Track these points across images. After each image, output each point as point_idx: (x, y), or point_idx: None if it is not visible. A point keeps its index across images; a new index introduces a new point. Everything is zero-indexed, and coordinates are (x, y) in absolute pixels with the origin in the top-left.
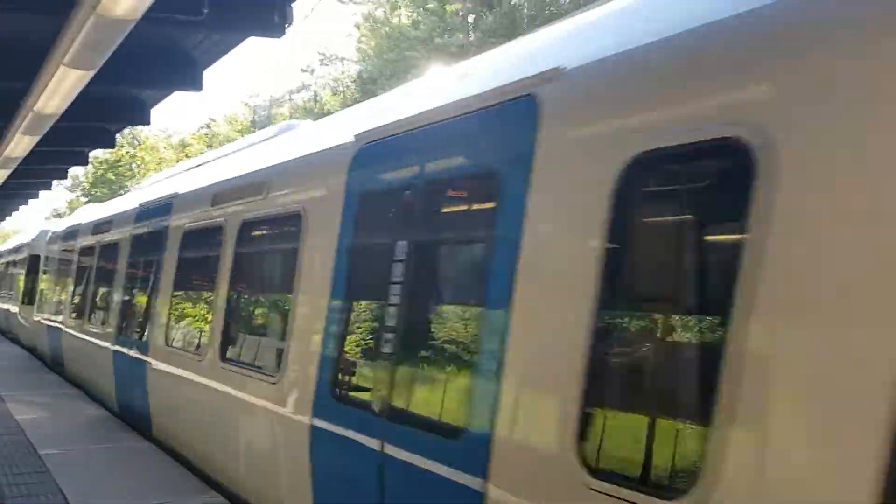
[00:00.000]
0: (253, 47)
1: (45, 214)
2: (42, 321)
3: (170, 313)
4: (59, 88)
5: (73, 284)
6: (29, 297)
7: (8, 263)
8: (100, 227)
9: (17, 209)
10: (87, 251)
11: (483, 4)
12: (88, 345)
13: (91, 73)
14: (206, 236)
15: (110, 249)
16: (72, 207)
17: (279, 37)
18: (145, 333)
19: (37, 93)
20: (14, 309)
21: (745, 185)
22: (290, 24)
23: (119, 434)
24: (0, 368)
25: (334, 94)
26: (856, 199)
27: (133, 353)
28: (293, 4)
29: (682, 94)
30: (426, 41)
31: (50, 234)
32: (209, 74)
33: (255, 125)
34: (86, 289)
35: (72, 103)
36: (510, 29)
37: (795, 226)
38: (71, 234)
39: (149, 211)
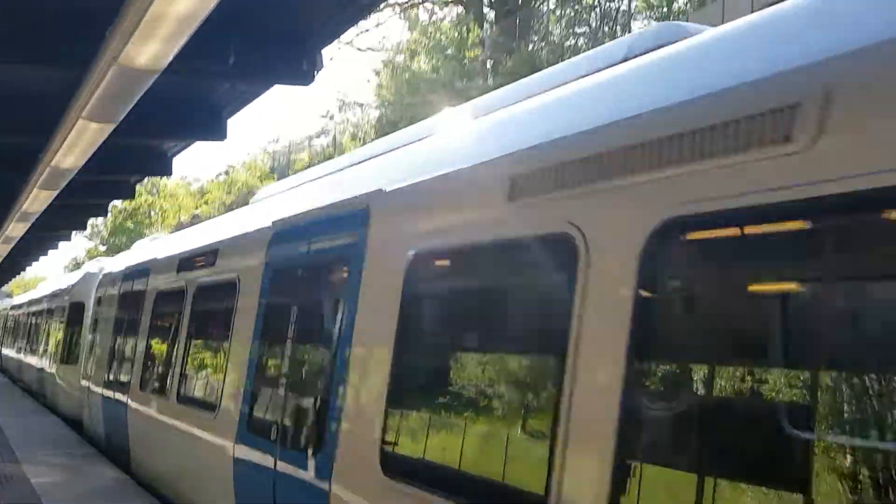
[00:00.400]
0: (273, 93)
1: (65, 263)
2: (94, 389)
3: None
4: (78, 142)
5: (145, 340)
6: (70, 354)
7: (41, 312)
8: (188, 261)
9: (38, 259)
10: (166, 297)
11: (502, 50)
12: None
13: (111, 127)
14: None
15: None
16: (90, 256)
17: (307, 84)
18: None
19: (54, 147)
20: (50, 368)
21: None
22: (319, 70)
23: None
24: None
25: (354, 139)
26: None
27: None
28: (323, 51)
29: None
30: (446, 85)
31: (102, 275)
32: (232, 122)
33: (274, 171)
34: (172, 348)
35: (91, 155)
36: (530, 73)
37: None
38: (139, 273)
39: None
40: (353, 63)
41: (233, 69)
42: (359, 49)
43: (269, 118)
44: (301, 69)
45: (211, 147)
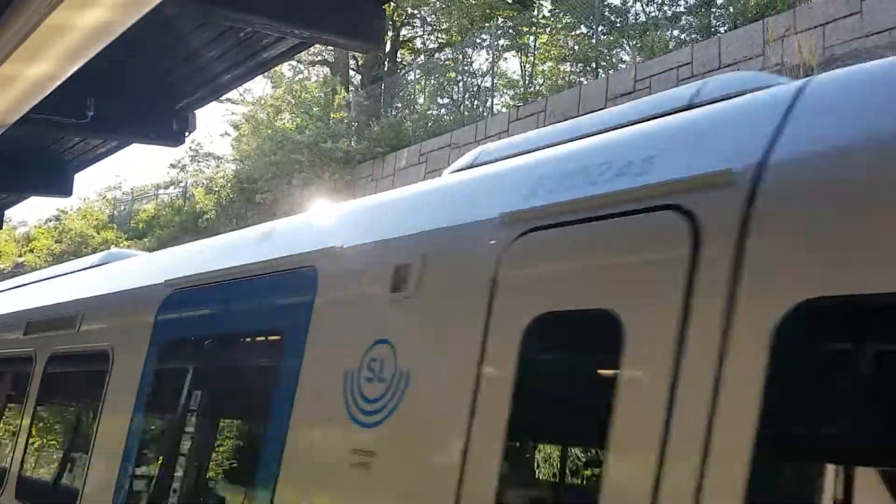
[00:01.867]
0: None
1: None
2: None
3: None
4: None
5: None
6: None
7: None
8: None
9: None
10: None
11: (367, 114)
12: None
13: None
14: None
15: None
16: None
17: (177, 146)
18: None
19: None
20: None
21: None
22: (191, 131)
23: None
24: None
25: (208, 193)
26: None
27: None
28: (197, 111)
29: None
30: (311, 146)
31: None
32: (79, 177)
33: (113, 221)
34: None
35: None
36: (395, 140)
37: None
38: None
39: None
40: (209, 113)
41: (90, 125)
42: (217, 101)
43: (110, 163)
44: (171, 130)
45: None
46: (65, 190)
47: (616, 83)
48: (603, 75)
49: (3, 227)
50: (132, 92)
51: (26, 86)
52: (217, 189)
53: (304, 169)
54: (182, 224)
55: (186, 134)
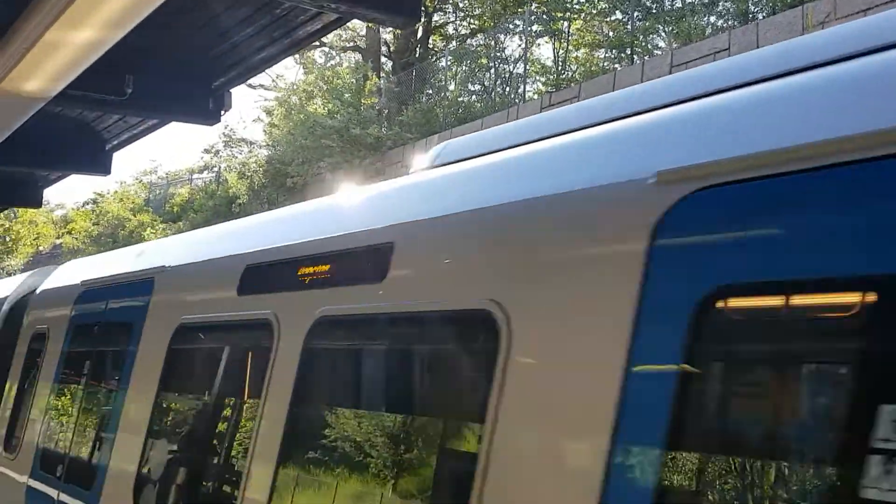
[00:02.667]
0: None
1: None
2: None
3: None
4: None
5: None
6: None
7: None
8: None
9: None
10: None
11: (398, 100)
12: None
13: None
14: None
15: None
16: None
17: (213, 124)
18: None
19: None
20: None
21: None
22: (227, 110)
23: None
24: None
25: (241, 178)
26: None
27: None
28: (232, 90)
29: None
30: (342, 131)
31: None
32: (117, 157)
33: (149, 204)
34: None
35: None
36: (426, 126)
37: None
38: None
39: None
40: (242, 99)
41: (128, 102)
42: (249, 86)
43: (145, 146)
44: (207, 108)
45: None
46: (103, 168)
47: (651, 69)
48: (638, 62)
49: (42, 209)
50: (170, 70)
51: (70, 53)
52: (249, 174)
53: (335, 154)
54: (215, 208)
55: (222, 112)
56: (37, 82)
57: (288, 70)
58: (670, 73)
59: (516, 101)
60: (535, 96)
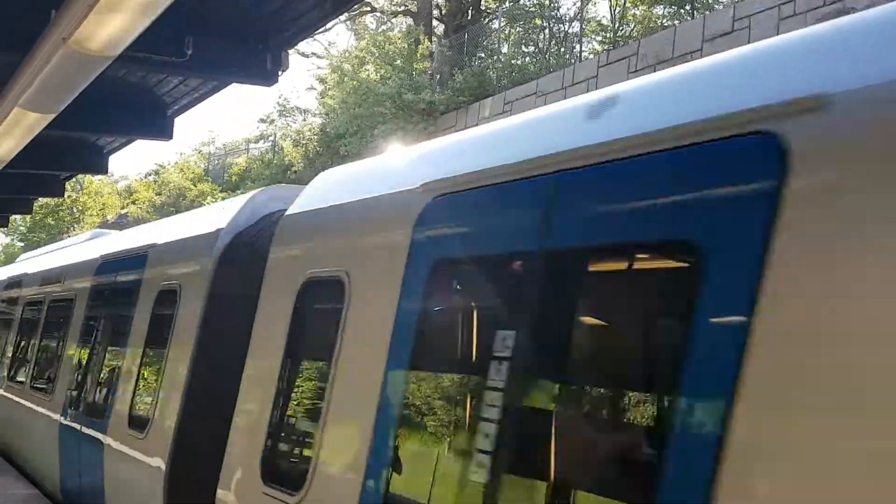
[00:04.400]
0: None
1: None
2: None
3: None
4: (11, 133)
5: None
6: None
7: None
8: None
9: None
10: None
11: (451, 64)
12: None
13: (50, 117)
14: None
15: None
16: (6, 253)
17: (271, 84)
18: None
19: None
20: None
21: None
22: (284, 70)
23: None
24: None
25: (296, 146)
26: None
27: None
28: (290, 50)
29: None
30: (394, 97)
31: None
32: (179, 121)
33: (208, 174)
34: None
35: (23, 148)
36: (479, 89)
37: None
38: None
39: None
40: (295, 68)
41: (189, 63)
42: (302, 54)
43: (202, 118)
44: (265, 69)
45: (139, 145)
46: (165, 133)
47: (713, 23)
48: (699, 17)
49: (106, 180)
50: (227, 31)
51: (132, 10)
52: (304, 142)
53: (387, 121)
54: (272, 176)
55: (280, 72)
56: (101, 41)
57: (340, 37)
58: (733, 27)
59: (572, 60)
60: (591, 56)
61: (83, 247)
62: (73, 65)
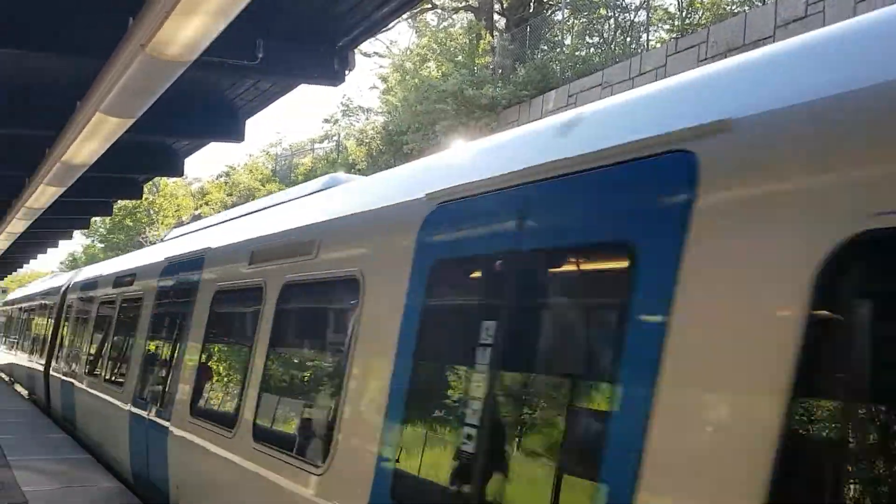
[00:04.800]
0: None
1: (61, 259)
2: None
3: None
4: (93, 137)
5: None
6: None
7: None
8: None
9: (35, 258)
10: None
11: (513, 58)
12: None
13: (130, 122)
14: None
15: None
16: (87, 254)
17: (338, 84)
18: None
19: (66, 142)
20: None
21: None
22: (350, 69)
23: None
24: None
25: (359, 145)
26: None
27: None
28: (356, 49)
29: None
30: (456, 94)
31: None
32: (250, 123)
33: (275, 174)
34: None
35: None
36: (542, 82)
37: None
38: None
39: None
40: (358, 68)
41: (260, 66)
42: (365, 54)
43: (270, 119)
44: (332, 69)
45: (210, 148)
46: (237, 135)
47: (785, 8)
48: (770, 1)
49: (181, 182)
50: (296, 32)
51: (207, 14)
52: (367, 141)
53: (449, 117)
54: None
55: (347, 72)
56: (178, 46)
57: (401, 35)
58: (806, 11)
59: (638, 50)
60: (658, 45)
61: (155, 249)
62: (152, 70)
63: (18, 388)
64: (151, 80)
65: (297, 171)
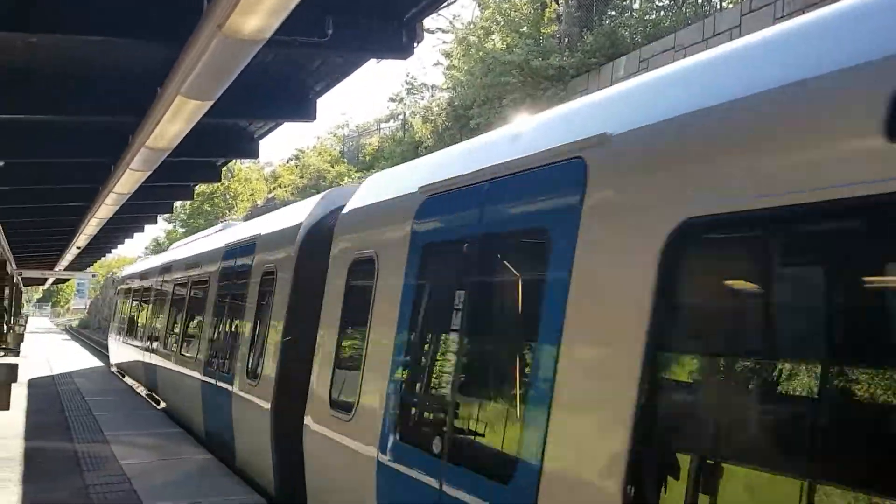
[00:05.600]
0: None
1: (146, 245)
2: None
3: None
4: (174, 121)
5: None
6: None
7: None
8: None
9: (123, 242)
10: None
11: (579, 25)
12: None
13: (209, 104)
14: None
15: None
16: (170, 239)
17: (406, 57)
18: None
19: (149, 127)
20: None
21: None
22: (419, 42)
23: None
24: None
25: (425, 122)
26: None
27: None
28: (424, 21)
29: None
30: (522, 65)
31: None
32: (321, 103)
33: (343, 156)
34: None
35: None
36: (611, 49)
37: None
38: None
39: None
40: (421, 45)
41: (329, 42)
42: (428, 30)
43: (336, 101)
44: (400, 42)
45: (280, 132)
46: (309, 114)
47: None
48: None
49: (254, 167)
50: (363, 8)
51: None
52: (433, 118)
53: (515, 90)
54: (403, 154)
55: (415, 45)
56: (252, 24)
57: (464, 9)
58: None
59: (710, 11)
60: (731, 5)
61: (215, 237)
62: (229, 51)
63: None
64: (228, 61)
65: (365, 151)
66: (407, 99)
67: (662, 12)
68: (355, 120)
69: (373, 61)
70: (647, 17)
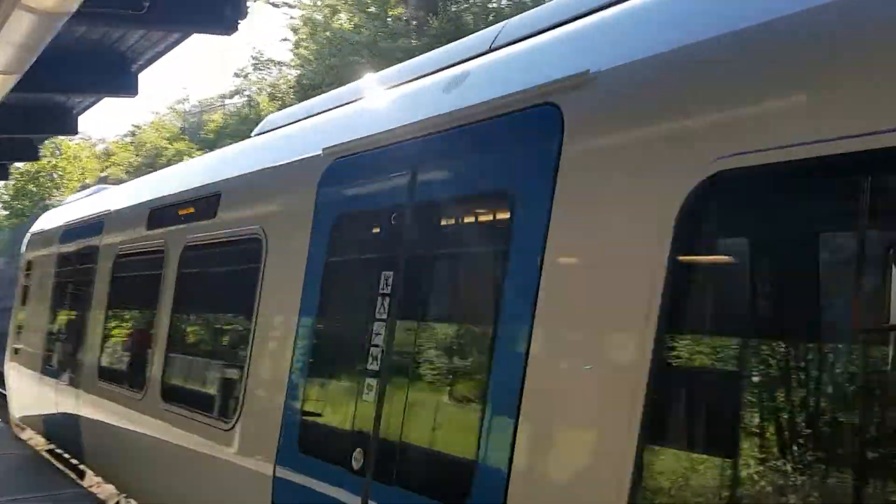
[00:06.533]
0: (182, 49)
1: None
2: None
3: None
4: None
5: None
6: None
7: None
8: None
9: None
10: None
11: (426, 9)
12: None
13: (15, 78)
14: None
15: None
16: None
17: (230, 34)
18: None
19: None
20: None
21: None
22: (242, 18)
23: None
24: None
25: (272, 100)
26: None
27: None
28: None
29: None
30: (370, 46)
31: None
32: (143, 77)
33: (184, 132)
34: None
35: None
36: (455, 34)
37: None
38: None
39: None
40: (267, 19)
41: (147, 15)
42: (273, 4)
43: (176, 75)
44: (223, 16)
45: (113, 107)
46: (131, 89)
47: None
48: None
49: (84, 144)
50: None
51: None
52: (280, 95)
53: (365, 71)
54: (249, 132)
55: (239, 21)
56: None
57: None
58: None
59: (549, 1)
60: None
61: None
62: (31, 23)
63: None
64: (31, 33)
65: (208, 127)
66: (253, 75)
67: (504, 1)
68: (197, 94)
69: (200, 37)
70: (490, 4)
